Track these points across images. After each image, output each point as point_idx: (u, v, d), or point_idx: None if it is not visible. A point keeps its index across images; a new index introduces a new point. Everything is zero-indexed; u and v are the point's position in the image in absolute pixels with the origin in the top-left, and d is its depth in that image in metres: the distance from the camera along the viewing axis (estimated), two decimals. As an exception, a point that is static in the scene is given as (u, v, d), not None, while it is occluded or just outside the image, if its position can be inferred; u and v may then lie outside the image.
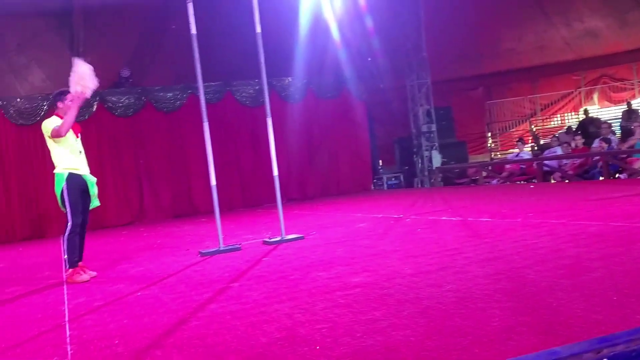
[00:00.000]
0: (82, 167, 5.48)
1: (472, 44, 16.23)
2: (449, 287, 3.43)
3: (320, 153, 15.33)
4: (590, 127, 14.32)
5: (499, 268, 3.79)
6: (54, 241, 10.87)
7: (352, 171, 15.66)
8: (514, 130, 18.06)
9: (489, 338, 2.47)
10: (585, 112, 15.97)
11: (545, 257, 3.99)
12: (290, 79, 14.89)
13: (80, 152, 5.59)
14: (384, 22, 14.55)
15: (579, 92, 17.32)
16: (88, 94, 5.30)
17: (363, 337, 2.67)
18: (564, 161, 12.05)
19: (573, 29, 15.64)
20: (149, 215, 13.58)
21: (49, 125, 5.42)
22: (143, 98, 13.67)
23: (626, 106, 15.22)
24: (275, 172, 6.91)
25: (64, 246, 5.43)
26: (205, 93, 6.88)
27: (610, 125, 13.38)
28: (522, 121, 18.05)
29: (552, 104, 17.83)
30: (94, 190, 5.51)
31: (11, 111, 12.46)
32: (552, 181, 12.13)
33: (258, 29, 6.78)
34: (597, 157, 11.27)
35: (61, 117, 5.51)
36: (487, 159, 16.98)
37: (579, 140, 12.52)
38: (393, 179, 15.91)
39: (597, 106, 17.02)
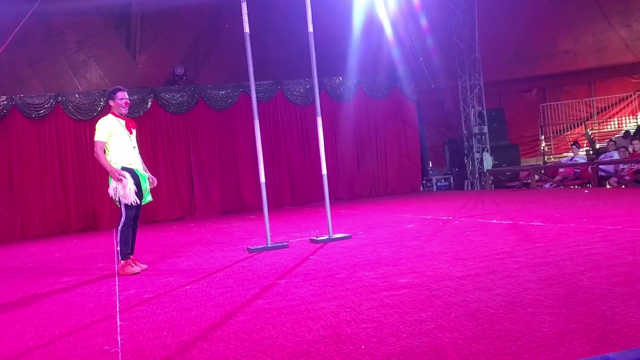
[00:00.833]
0: (134, 162, 5.64)
1: (527, 44, 15.88)
2: (499, 291, 3.36)
3: (369, 153, 15.31)
4: (649, 132, 13.81)
5: (551, 273, 3.69)
6: (106, 233, 11.20)
7: (400, 172, 15.57)
8: (568, 133, 17.58)
9: (539, 344, 2.40)
10: (645, 115, 15.42)
11: (600, 263, 3.86)
12: (341, 78, 14.91)
13: (134, 147, 5.74)
14: (437, 22, 14.40)
15: (638, 96, 16.71)
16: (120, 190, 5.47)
17: (409, 338, 2.64)
18: (621, 166, 11.66)
19: (633, 30, 15.11)
20: (198, 210, 13.83)
21: (99, 128, 5.68)
22: (196, 96, 13.94)
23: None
24: (324, 170, 6.91)
25: (117, 238, 5.61)
26: (257, 91, 6.96)
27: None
28: (577, 124, 17.55)
29: (609, 107, 17.28)
30: (145, 185, 5.65)
31: (69, 107, 12.90)
32: (608, 186, 11.75)
33: (310, 28, 6.80)
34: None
35: (115, 115, 5.80)
36: (540, 163, 16.57)
37: (637, 145, 12.08)
38: (442, 180, 15.72)
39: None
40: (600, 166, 11.95)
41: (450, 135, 15.97)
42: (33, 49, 13.43)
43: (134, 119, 13.33)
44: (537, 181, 13.42)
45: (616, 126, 17.11)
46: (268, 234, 6.52)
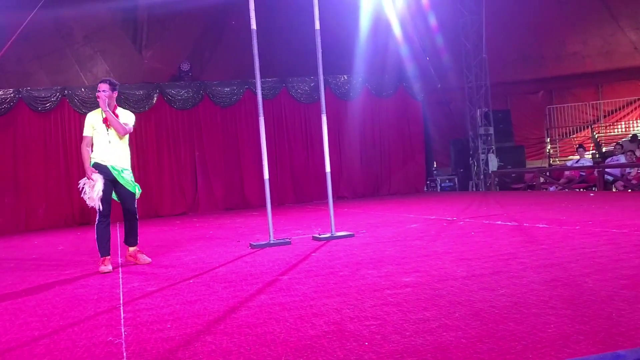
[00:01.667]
0: (108, 157, 5.52)
1: (534, 46, 15.83)
2: (503, 291, 3.35)
3: (373, 152, 15.29)
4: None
5: (556, 275, 3.68)
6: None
7: (405, 171, 15.55)
8: (574, 136, 17.53)
9: (544, 344, 2.39)
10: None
11: (605, 266, 3.84)
12: (346, 76, 14.91)
13: (110, 142, 5.60)
14: (443, 22, 14.37)
15: (646, 99, 16.68)
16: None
17: (413, 336, 2.64)
18: (627, 170, 11.62)
19: (642, 33, 15.06)
20: (201, 206, 13.85)
21: (84, 123, 5.72)
22: (201, 92, 13.95)
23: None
24: (328, 168, 6.90)
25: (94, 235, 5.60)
26: (262, 89, 6.94)
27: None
28: (584, 127, 17.49)
29: (616, 110, 17.22)
30: (123, 179, 5.55)
31: (75, 100, 12.93)
32: (614, 190, 11.72)
33: (317, 26, 6.79)
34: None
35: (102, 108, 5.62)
36: (545, 165, 16.53)
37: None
38: (447, 181, 15.69)
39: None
40: (606, 169, 11.91)
41: (456, 136, 15.93)
42: (40, 42, 13.46)
43: (141, 114, 13.46)
44: (542, 183, 13.38)
45: (623, 130, 17.05)
46: (271, 230, 6.51)
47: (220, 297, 3.83)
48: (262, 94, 6.88)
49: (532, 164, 16.68)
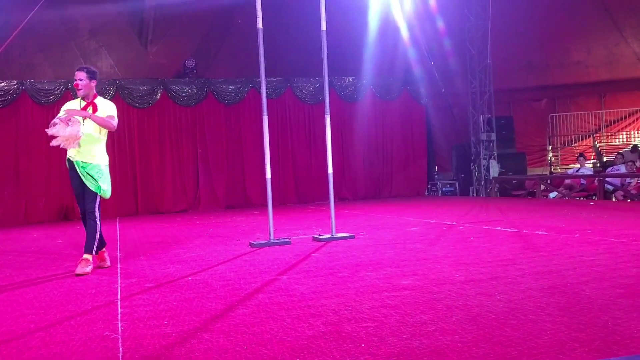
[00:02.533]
0: (77, 152, 5.15)
1: (539, 54, 15.83)
2: (500, 296, 3.36)
3: (375, 154, 15.30)
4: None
5: (554, 282, 3.68)
6: (110, 222, 11.24)
7: (406, 175, 15.55)
8: (576, 145, 17.52)
9: (539, 351, 2.40)
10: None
11: (603, 275, 3.85)
12: (351, 78, 14.92)
13: (83, 133, 5.18)
14: (449, 27, 14.37)
15: (648, 110, 16.67)
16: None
17: (409, 339, 2.64)
18: (627, 180, 11.62)
19: (646, 44, 15.06)
20: (202, 204, 13.85)
21: (63, 108, 5.32)
22: (205, 89, 13.96)
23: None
24: (330, 169, 6.91)
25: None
26: (267, 88, 6.95)
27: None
28: (586, 136, 17.48)
29: (618, 120, 17.21)
30: (85, 177, 5.17)
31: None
32: (614, 199, 11.72)
33: (323, 27, 6.80)
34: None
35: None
36: (547, 173, 16.52)
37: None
38: (448, 185, 15.70)
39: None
40: (606, 179, 11.91)
41: (458, 141, 15.93)
42: (45, 35, 13.46)
43: (144, 109, 13.46)
44: (542, 191, 13.38)
45: (624, 140, 17.04)
46: (271, 229, 6.52)
47: (218, 295, 3.84)
48: (267, 94, 6.89)
49: (533, 171, 16.68)
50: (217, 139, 14.06)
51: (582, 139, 17.57)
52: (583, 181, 12.72)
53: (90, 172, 5.18)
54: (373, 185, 15.39)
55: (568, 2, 14.58)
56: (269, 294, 3.80)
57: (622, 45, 15.27)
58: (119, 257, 6.06)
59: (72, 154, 5.17)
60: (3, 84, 12.58)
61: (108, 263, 5.43)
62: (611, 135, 17.44)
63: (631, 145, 15.43)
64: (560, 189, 13.06)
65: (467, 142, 15.41)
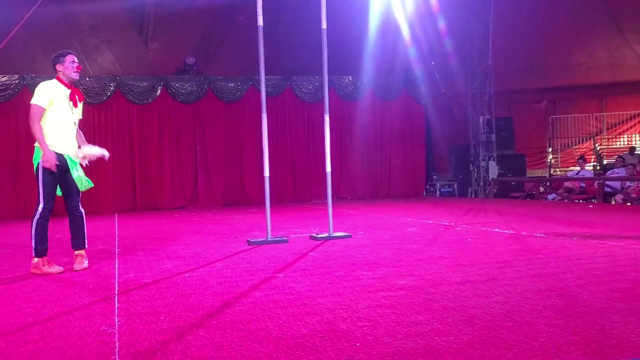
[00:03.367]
0: (69, 144, 4.90)
1: (540, 55, 15.82)
2: (497, 298, 3.36)
3: (374, 154, 15.31)
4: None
5: (550, 285, 3.69)
6: (108, 217, 11.24)
7: (404, 175, 15.56)
8: (576, 147, 17.52)
9: (535, 353, 2.40)
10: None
11: (601, 278, 3.85)
12: (350, 77, 14.92)
13: (75, 123, 5.04)
14: (450, 28, 14.36)
15: (650, 113, 16.68)
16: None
17: (405, 339, 2.65)
18: (627, 183, 11.62)
19: (648, 47, 15.06)
20: (201, 201, 13.86)
21: (39, 92, 4.80)
22: (205, 86, 13.96)
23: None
24: (328, 168, 6.91)
25: (32, 231, 4.77)
26: (266, 86, 6.95)
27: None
28: (586, 139, 17.49)
29: (619, 123, 17.21)
30: (78, 174, 4.91)
31: (79, 89, 12.91)
32: (613, 202, 11.72)
33: (324, 25, 6.80)
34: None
35: (61, 82, 4.99)
36: (546, 175, 16.52)
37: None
38: (446, 186, 15.70)
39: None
40: (606, 182, 11.91)
41: (457, 142, 15.93)
42: (47, 30, 13.43)
43: (144, 105, 13.46)
44: (541, 193, 13.39)
45: (625, 143, 17.05)
46: (269, 227, 6.52)
47: (215, 292, 3.84)
48: (266, 91, 6.89)
49: (533, 173, 16.68)
50: (216, 136, 14.06)
51: (582, 142, 17.57)
52: (583, 184, 12.73)
53: (79, 171, 4.96)
54: (371, 185, 15.40)
55: (570, 4, 14.58)
56: (265, 291, 3.80)
57: (625, 48, 15.28)
58: (117, 252, 6.05)
59: (65, 145, 4.87)
60: (4, 78, 12.58)
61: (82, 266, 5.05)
62: (612, 138, 17.45)
63: (629, 148, 15.44)
64: (560, 191, 13.06)
65: (466, 142, 15.41)
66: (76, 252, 5.05)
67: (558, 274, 4.04)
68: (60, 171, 4.80)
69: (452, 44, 14.54)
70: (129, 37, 14.40)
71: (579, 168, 13.58)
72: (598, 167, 15.20)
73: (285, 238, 6.50)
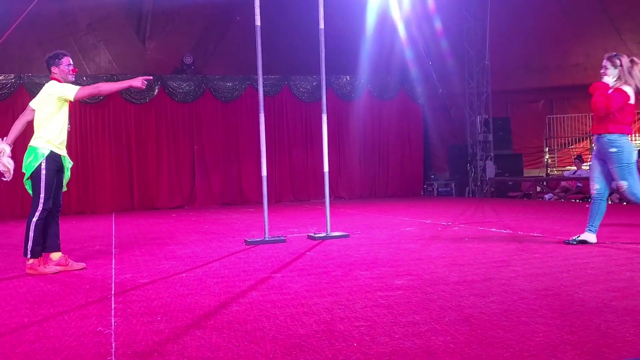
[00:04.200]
0: (63, 145, 4.96)
1: (537, 55, 15.84)
2: (494, 298, 3.37)
3: (371, 154, 15.31)
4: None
5: (547, 284, 3.69)
6: (105, 217, 11.23)
7: (402, 175, 15.57)
8: (573, 147, 17.53)
9: (531, 352, 2.41)
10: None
11: (597, 278, 3.86)
12: (348, 77, 14.92)
13: (69, 126, 5.06)
14: (447, 27, 14.37)
15: (646, 114, 16.68)
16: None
17: (402, 339, 2.65)
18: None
19: (646, 48, 15.07)
20: (198, 200, 13.86)
21: (64, 86, 4.86)
22: (203, 86, 13.95)
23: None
24: (326, 168, 6.91)
25: (29, 233, 4.73)
26: (264, 85, 6.94)
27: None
28: (583, 139, 17.51)
29: (615, 123, 17.20)
30: (68, 175, 5.03)
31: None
32: (609, 202, 11.74)
33: (321, 25, 6.80)
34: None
35: (59, 82, 4.98)
36: (543, 174, 16.54)
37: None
38: (444, 186, 15.71)
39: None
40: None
41: (455, 142, 15.94)
42: (44, 29, 13.41)
43: (142, 105, 13.45)
44: (538, 193, 13.41)
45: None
46: (266, 227, 6.52)
47: (212, 292, 3.84)
48: (264, 91, 6.89)
49: (530, 172, 16.69)
50: (213, 136, 14.05)
51: (579, 141, 17.59)
52: (580, 183, 12.75)
53: (69, 173, 5.05)
54: (369, 185, 15.40)
55: (567, 4, 14.60)
56: (262, 291, 3.80)
57: (621, 47, 15.28)
58: (113, 252, 6.05)
59: (63, 146, 4.94)
60: (1, 77, 12.55)
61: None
62: (608, 138, 17.45)
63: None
64: (557, 191, 13.08)
65: (463, 142, 15.42)
66: (60, 255, 4.94)
67: (554, 273, 4.05)
68: (58, 172, 4.87)
69: (449, 43, 14.55)
70: (126, 36, 14.38)
71: (575, 168, 13.60)
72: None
73: (282, 238, 6.50)
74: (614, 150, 5.22)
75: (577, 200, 12.52)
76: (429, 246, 5.68)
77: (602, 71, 5.44)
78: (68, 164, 5.02)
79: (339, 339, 2.68)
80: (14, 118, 12.57)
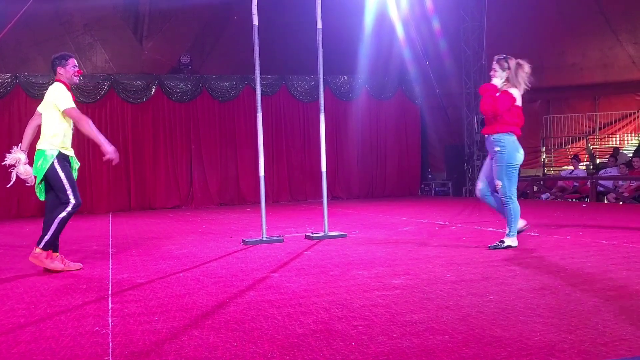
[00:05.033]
0: (70, 145, 5.15)
1: (533, 55, 15.78)
2: (491, 297, 3.37)
3: (369, 153, 15.32)
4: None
5: (545, 283, 3.70)
6: (102, 217, 11.21)
7: (399, 174, 15.58)
8: (569, 147, 17.57)
9: (529, 352, 2.41)
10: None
11: (593, 276, 3.87)
12: (346, 77, 14.93)
13: (73, 129, 5.15)
14: (445, 27, 14.38)
15: (642, 113, 16.74)
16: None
17: (400, 338, 2.65)
18: (620, 182, 11.67)
19: (641, 47, 15.12)
20: (196, 200, 13.84)
21: (63, 94, 5.01)
22: (200, 85, 13.94)
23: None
24: (324, 168, 6.91)
25: (53, 226, 4.83)
26: (261, 85, 6.93)
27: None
28: (579, 138, 17.55)
29: (611, 123, 17.26)
30: (75, 175, 5.09)
31: (73, 88, 12.77)
32: (606, 202, 11.77)
33: (319, 25, 6.80)
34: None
35: (65, 85, 5.16)
36: (539, 174, 16.57)
37: (637, 162, 12.07)
38: (441, 185, 15.73)
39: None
40: (599, 181, 11.96)
41: (452, 141, 15.96)
42: (40, 28, 13.38)
43: (138, 105, 13.43)
44: (535, 192, 13.42)
45: (618, 142, 17.11)
46: (264, 227, 6.51)
47: (210, 292, 3.83)
48: (262, 91, 6.88)
49: (527, 172, 16.71)
50: (211, 136, 14.04)
51: (575, 141, 17.63)
52: (576, 183, 12.78)
53: (76, 172, 5.15)
54: (366, 184, 15.40)
55: (564, 4, 14.63)
56: (260, 291, 3.80)
57: (617, 48, 15.33)
58: (110, 252, 6.04)
59: (70, 147, 5.12)
60: (-3, 77, 12.52)
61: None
62: (605, 137, 17.51)
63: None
64: (553, 190, 13.11)
65: (460, 142, 15.44)
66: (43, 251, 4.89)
67: (551, 272, 4.06)
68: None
69: (447, 43, 14.56)
70: (123, 36, 14.36)
71: (572, 167, 13.62)
72: (591, 167, 15.25)
73: (280, 237, 6.50)
74: (497, 149, 5.33)
75: (574, 200, 12.55)
76: (427, 246, 5.69)
77: (491, 73, 5.59)
78: (75, 164, 5.12)
79: (337, 339, 2.68)
80: (10, 118, 12.68)
